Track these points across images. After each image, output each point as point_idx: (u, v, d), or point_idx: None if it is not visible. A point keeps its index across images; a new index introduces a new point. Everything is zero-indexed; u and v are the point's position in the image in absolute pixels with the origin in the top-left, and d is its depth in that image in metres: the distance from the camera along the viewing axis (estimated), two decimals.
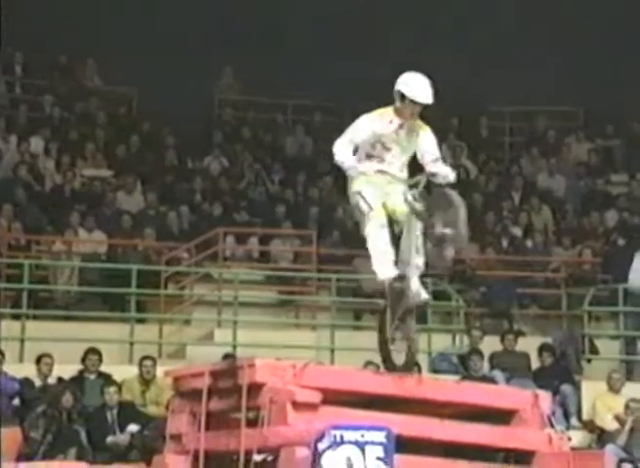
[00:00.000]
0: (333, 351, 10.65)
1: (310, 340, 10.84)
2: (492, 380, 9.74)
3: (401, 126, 6.19)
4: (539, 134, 15.23)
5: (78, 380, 9.52)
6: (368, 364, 9.43)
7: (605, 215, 13.40)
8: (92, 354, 9.61)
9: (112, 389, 9.08)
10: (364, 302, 11.41)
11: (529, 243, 12.81)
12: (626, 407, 9.63)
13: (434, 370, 10.41)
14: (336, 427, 5.39)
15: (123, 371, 9.75)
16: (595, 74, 14.89)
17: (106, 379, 9.44)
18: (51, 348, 9.74)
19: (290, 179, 13.90)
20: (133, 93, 14.89)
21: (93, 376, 9.60)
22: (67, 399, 8.72)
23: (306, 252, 12.17)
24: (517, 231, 12.88)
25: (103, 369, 9.69)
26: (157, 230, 12.23)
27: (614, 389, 10.05)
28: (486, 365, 10.31)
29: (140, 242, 12.00)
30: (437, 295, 11.21)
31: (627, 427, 9.42)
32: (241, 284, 11.38)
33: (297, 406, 5.67)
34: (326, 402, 5.75)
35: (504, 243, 12.62)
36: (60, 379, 9.40)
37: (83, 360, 9.63)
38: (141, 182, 13.26)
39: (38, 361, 9.55)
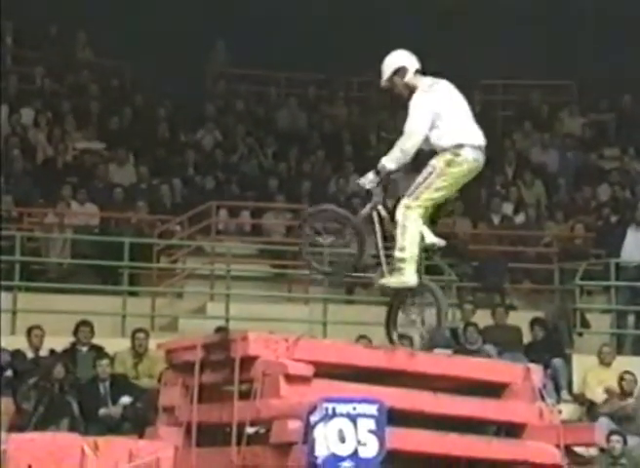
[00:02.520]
0: (325, 325, 10.67)
1: (303, 314, 10.85)
2: (486, 353, 9.78)
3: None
4: (532, 107, 15.18)
5: (70, 352, 9.53)
6: (360, 337, 9.45)
7: (597, 190, 13.39)
8: (84, 326, 9.61)
9: (104, 362, 9.09)
10: (356, 276, 11.38)
11: (521, 217, 12.81)
12: (621, 378, 9.67)
13: None
14: (328, 400, 5.40)
15: (115, 344, 9.76)
16: (588, 48, 14.84)
17: (99, 352, 9.45)
18: (43, 320, 9.74)
19: (283, 153, 13.86)
20: (125, 65, 14.79)
21: (85, 349, 9.60)
22: (59, 370, 8.74)
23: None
24: (508, 207, 12.86)
25: (96, 341, 9.70)
26: (149, 203, 12.20)
27: (604, 362, 10.11)
28: (479, 339, 10.34)
29: (132, 215, 11.97)
30: (429, 270, 11.21)
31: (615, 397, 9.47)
32: (234, 257, 11.37)
33: (289, 379, 5.68)
34: (318, 375, 5.76)
35: (496, 218, 12.60)
36: (52, 351, 9.41)
37: (75, 332, 9.63)
38: (134, 155, 13.20)
39: (28, 333, 9.55)
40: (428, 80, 6.15)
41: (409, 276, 6.03)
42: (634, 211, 11.22)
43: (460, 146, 6.06)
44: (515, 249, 12.18)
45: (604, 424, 8.97)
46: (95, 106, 13.89)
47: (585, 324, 10.84)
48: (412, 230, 6.02)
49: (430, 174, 6.02)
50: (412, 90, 6.12)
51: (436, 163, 6.04)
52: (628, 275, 10.81)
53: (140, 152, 13.28)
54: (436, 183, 6.03)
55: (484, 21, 14.96)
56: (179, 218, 11.86)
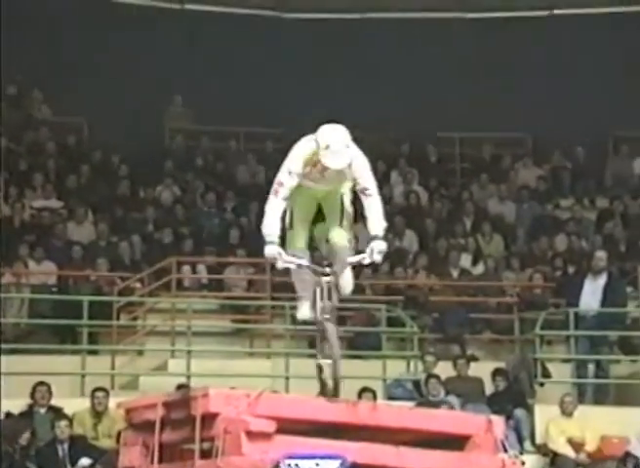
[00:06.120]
0: (287, 379, 10.61)
1: (265, 369, 10.79)
2: (448, 405, 9.77)
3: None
4: (487, 160, 15.41)
5: (28, 415, 9.36)
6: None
7: (554, 240, 13.56)
8: (40, 387, 9.46)
9: (63, 423, 8.95)
10: (318, 323, 11.35)
11: (480, 268, 12.92)
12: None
13: (389, 397, 10.41)
14: (290, 456, 5.37)
15: (75, 404, 9.61)
16: (541, 101, 15.14)
17: (57, 413, 9.29)
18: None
19: (243, 208, 13.89)
20: (82, 122, 14.81)
21: (43, 410, 9.44)
22: (26, 437, 8.58)
23: (260, 280, 12.14)
24: (467, 259, 12.97)
25: (54, 402, 9.54)
26: (109, 261, 12.13)
27: (566, 412, 10.14)
28: (441, 390, 10.34)
29: (91, 273, 11.89)
30: (391, 322, 11.25)
31: None
32: (195, 313, 11.31)
33: (251, 435, 5.63)
34: (281, 431, 5.72)
35: (456, 270, 12.69)
36: (7, 414, 9.23)
37: (32, 393, 9.47)
38: (92, 213, 13.16)
39: None
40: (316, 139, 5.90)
41: None
42: (590, 260, 11.35)
43: None
44: (475, 299, 12.26)
45: None
46: (52, 164, 13.86)
47: (546, 373, 10.88)
48: None
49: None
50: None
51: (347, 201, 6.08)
52: (587, 324, 10.90)
53: (99, 209, 13.24)
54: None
55: (437, 74, 15.23)
56: (139, 275, 11.80)
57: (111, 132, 14.02)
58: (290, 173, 5.90)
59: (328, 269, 5.95)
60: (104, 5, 15.23)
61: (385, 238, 6.07)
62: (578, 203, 14.37)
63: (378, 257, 5.96)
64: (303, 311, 6.11)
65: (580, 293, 10.99)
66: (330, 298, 5.94)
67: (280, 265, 5.94)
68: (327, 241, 6.08)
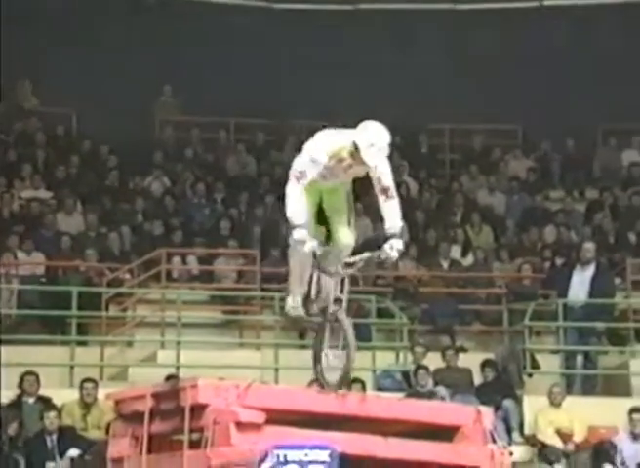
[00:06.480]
0: (277, 370, 10.63)
1: (255, 360, 10.80)
2: (438, 396, 9.80)
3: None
4: (477, 151, 15.43)
5: (16, 405, 9.34)
6: (312, 382, 9.41)
7: (544, 231, 13.59)
8: (29, 376, 9.45)
9: (52, 414, 8.94)
10: (307, 321, 11.35)
11: (469, 259, 12.94)
12: (630, 419, 9.67)
13: (379, 388, 10.44)
14: (279, 447, 5.38)
15: (63, 395, 9.60)
16: (532, 93, 15.15)
17: (46, 403, 9.28)
18: None
19: (232, 199, 13.88)
20: (71, 113, 14.76)
21: (31, 400, 9.43)
22: (14, 427, 8.57)
23: (250, 271, 12.14)
24: (457, 249, 12.99)
25: (44, 392, 9.52)
26: (98, 251, 12.11)
27: (555, 403, 10.18)
28: (430, 381, 10.37)
29: (80, 263, 11.87)
30: (381, 313, 11.28)
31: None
32: (184, 304, 11.30)
33: (240, 426, 5.65)
34: (270, 421, 5.74)
35: (446, 261, 12.70)
36: None
37: (20, 383, 9.46)
38: (82, 203, 13.13)
39: None
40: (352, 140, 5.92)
41: None
42: (579, 251, 11.38)
43: None
44: (464, 290, 12.28)
45: None
46: (41, 155, 13.81)
47: (535, 364, 10.92)
48: None
49: None
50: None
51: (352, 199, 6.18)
52: (575, 315, 10.94)
53: (88, 200, 13.21)
54: None
55: (428, 65, 15.22)
56: (128, 266, 11.78)
57: (100, 122, 13.97)
58: (315, 162, 5.85)
59: (351, 259, 5.92)
60: None
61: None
62: (567, 194, 14.40)
63: (395, 254, 5.97)
64: (296, 307, 6.13)
65: (569, 285, 11.01)
66: (343, 291, 5.97)
67: (308, 248, 5.89)
68: (331, 239, 6.06)
